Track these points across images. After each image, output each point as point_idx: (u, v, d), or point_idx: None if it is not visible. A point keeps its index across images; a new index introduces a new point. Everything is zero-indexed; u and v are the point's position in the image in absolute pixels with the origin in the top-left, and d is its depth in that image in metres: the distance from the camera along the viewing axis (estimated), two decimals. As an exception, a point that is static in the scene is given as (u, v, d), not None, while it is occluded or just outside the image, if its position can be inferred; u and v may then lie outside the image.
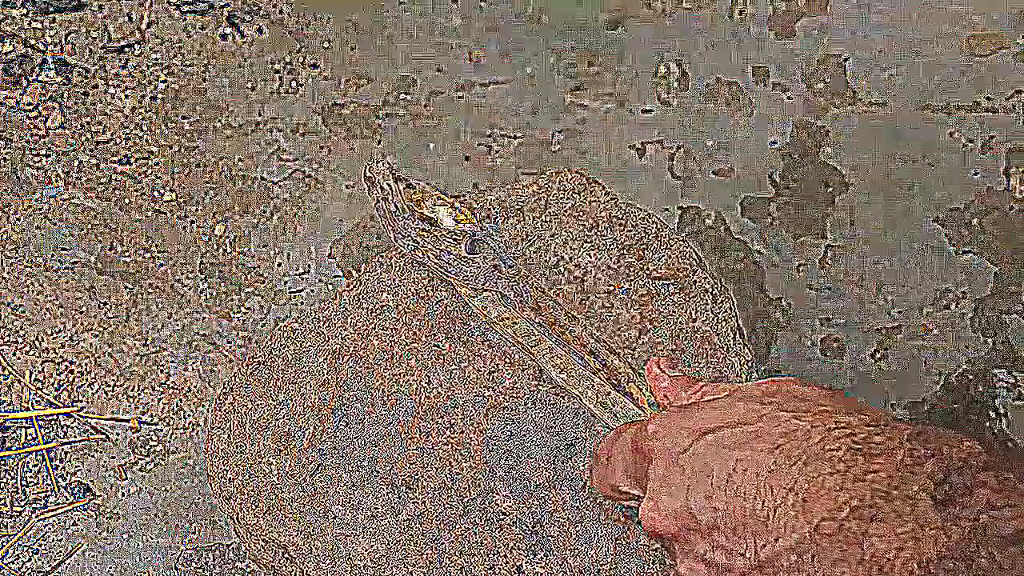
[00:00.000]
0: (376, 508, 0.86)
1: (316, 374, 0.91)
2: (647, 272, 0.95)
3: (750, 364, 0.92)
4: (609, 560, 0.85)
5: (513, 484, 0.86)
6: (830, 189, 1.37)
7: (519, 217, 0.98)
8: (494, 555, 0.85)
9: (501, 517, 0.86)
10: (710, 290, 0.95)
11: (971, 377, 1.28)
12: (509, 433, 0.88)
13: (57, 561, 1.18)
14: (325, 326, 0.94)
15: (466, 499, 0.86)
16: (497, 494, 0.86)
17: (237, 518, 0.92)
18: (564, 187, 0.99)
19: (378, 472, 0.87)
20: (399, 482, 0.87)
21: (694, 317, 0.93)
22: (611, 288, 0.93)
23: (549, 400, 0.89)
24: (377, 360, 0.91)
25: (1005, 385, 1.27)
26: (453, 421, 0.88)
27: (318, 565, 0.86)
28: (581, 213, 0.98)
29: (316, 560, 0.86)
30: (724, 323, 0.94)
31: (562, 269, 0.94)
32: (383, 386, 0.90)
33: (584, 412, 0.87)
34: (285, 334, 0.96)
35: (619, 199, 0.98)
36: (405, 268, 0.95)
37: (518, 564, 0.85)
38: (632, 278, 0.94)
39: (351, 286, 0.97)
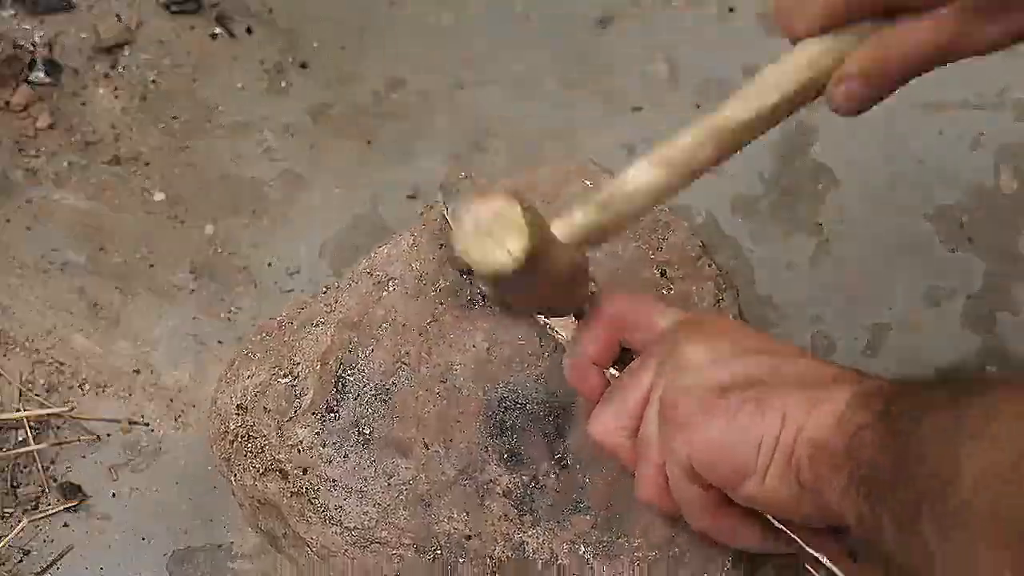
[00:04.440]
0: (368, 473, 0.87)
1: (320, 341, 0.92)
2: (652, 259, 0.95)
3: None
4: (597, 533, 0.85)
5: (506, 455, 0.87)
6: (820, 186, 1.37)
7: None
8: (483, 524, 0.86)
9: (492, 487, 0.86)
10: (713, 278, 0.95)
11: (962, 374, 1.28)
12: (505, 406, 0.88)
13: (48, 562, 1.18)
14: (333, 296, 0.95)
15: (458, 468, 0.87)
16: (489, 464, 0.87)
17: (234, 478, 0.92)
18: (572, 175, 0.99)
19: (373, 438, 0.88)
20: (393, 448, 0.87)
21: (697, 305, 0.93)
22: (616, 270, 0.93)
23: (546, 374, 0.89)
24: (380, 329, 0.92)
25: (995, 381, 1.28)
26: (450, 391, 0.89)
27: (309, 528, 0.87)
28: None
29: (308, 523, 0.87)
30: (727, 311, 0.95)
31: None
32: (385, 355, 0.90)
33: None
34: (296, 304, 0.97)
35: None
36: (414, 242, 0.95)
37: (507, 534, 0.85)
38: (636, 265, 0.94)
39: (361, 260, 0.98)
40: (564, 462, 0.87)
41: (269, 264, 1.34)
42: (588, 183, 0.98)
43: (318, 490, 0.87)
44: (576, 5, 1.48)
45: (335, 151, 1.40)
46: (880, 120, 1.39)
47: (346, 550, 0.86)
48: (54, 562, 1.18)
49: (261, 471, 0.90)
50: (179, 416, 1.25)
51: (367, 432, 0.88)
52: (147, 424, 1.25)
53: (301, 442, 0.89)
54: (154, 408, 1.26)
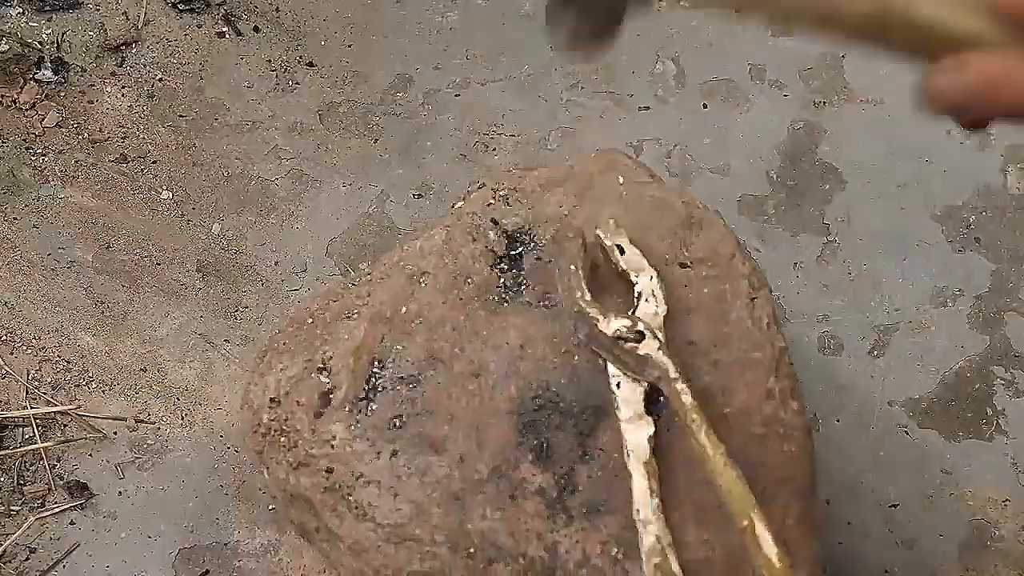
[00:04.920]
0: (402, 470, 0.86)
1: (353, 335, 0.91)
2: (687, 255, 0.94)
3: (783, 350, 0.92)
4: (630, 534, 0.84)
5: (539, 453, 0.86)
6: (827, 187, 1.37)
7: (562, 196, 0.96)
8: (517, 523, 0.84)
9: (525, 485, 0.85)
10: (747, 276, 0.94)
11: (969, 374, 1.28)
12: (538, 403, 0.87)
13: (54, 560, 1.18)
14: (366, 289, 0.94)
15: (491, 466, 0.86)
16: (522, 462, 0.86)
17: (266, 471, 0.92)
18: (609, 167, 0.98)
19: (406, 435, 0.87)
20: (426, 446, 0.86)
21: (731, 302, 0.92)
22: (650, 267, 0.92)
23: (578, 373, 0.88)
24: (413, 325, 0.91)
25: (1003, 382, 1.27)
26: (483, 388, 0.88)
27: (342, 523, 0.86)
28: (624, 193, 0.96)
29: (340, 519, 0.86)
30: (760, 309, 0.93)
31: (602, 248, 0.93)
32: (418, 351, 0.90)
33: (609, 384, 0.87)
34: (328, 295, 0.96)
35: (664, 182, 0.97)
36: (447, 236, 0.94)
37: (540, 533, 0.84)
38: (672, 260, 0.93)
39: (394, 252, 0.96)
40: (597, 461, 0.87)
41: (276, 263, 1.34)
42: (621, 178, 0.97)
43: (351, 486, 0.86)
44: (583, 4, 1.47)
45: (342, 150, 1.40)
46: (887, 120, 1.40)
47: (379, 546, 0.85)
48: (60, 560, 1.18)
49: (294, 465, 0.89)
50: (186, 415, 1.25)
51: (400, 429, 0.87)
52: (153, 422, 1.25)
53: (334, 437, 0.87)
54: (161, 406, 1.26)
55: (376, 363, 0.89)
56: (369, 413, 0.88)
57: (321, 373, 0.90)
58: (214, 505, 1.21)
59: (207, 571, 1.18)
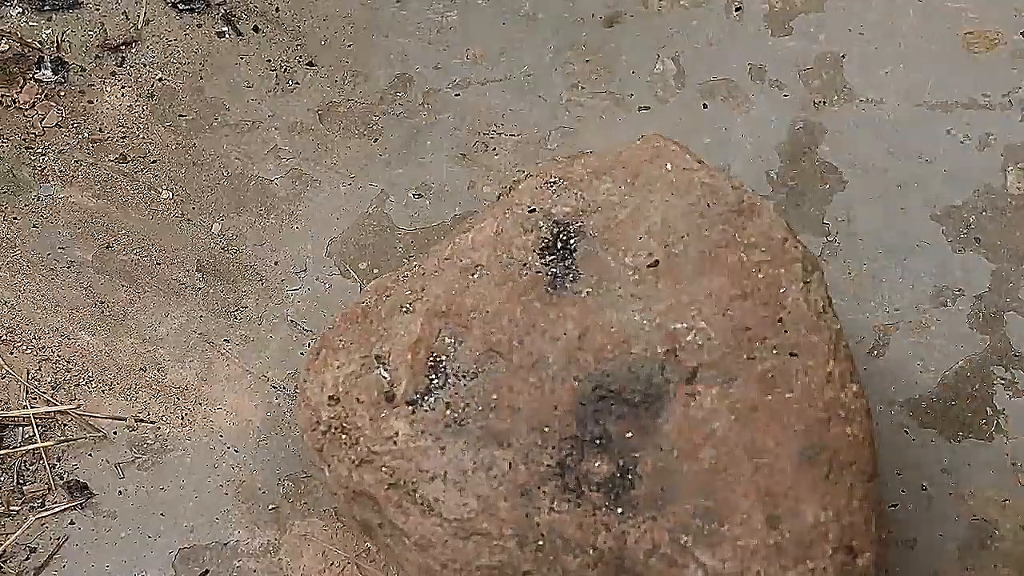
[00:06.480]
0: (467, 464, 0.86)
1: (410, 330, 0.90)
2: (740, 240, 0.93)
3: (839, 333, 0.91)
4: (698, 521, 0.84)
5: (603, 444, 0.86)
6: (827, 186, 1.37)
7: (611, 184, 0.96)
8: (583, 514, 0.84)
9: (591, 476, 0.85)
10: (800, 260, 0.93)
11: (969, 374, 1.28)
12: (600, 394, 0.87)
13: (54, 559, 1.18)
14: (419, 283, 0.93)
15: (556, 458, 0.85)
16: (587, 453, 0.86)
17: (327, 468, 0.91)
18: (656, 153, 0.98)
19: (469, 429, 0.86)
20: (490, 439, 0.86)
21: (786, 286, 0.92)
22: (703, 253, 0.92)
23: (637, 362, 0.88)
24: (470, 318, 0.90)
25: (1003, 382, 1.27)
26: (543, 380, 0.88)
27: (408, 519, 0.86)
28: (674, 180, 0.96)
29: (406, 515, 0.86)
30: (815, 292, 0.93)
31: (654, 235, 0.92)
32: (476, 344, 0.89)
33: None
34: (379, 291, 0.95)
35: (713, 167, 0.97)
36: (498, 227, 0.94)
37: (606, 523, 0.84)
38: (725, 245, 0.92)
39: (441, 247, 0.95)
40: (661, 449, 0.86)
41: (276, 263, 1.34)
42: (669, 165, 0.96)
43: (416, 482, 0.86)
44: (583, 4, 1.47)
45: (342, 149, 1.40)
46: (887, 120, 1.39)
47: (446, 541, 0.85)
48: (60, 559, 1.18)
49: (356, 462, 0.89)
50: (185, 414, 1.25)
51: (463, 424, 0.87)
52: (153, 422, 1.25)
53: (397, 434, 0.87)
54: (160, 406, 1.26)
55: (435, 358, 0.89)
56: (430, 408, 0.88)
57: (379, 369, 0.90)
58: (214, 505, 1.21)
59: (207, 571, 1.18)
